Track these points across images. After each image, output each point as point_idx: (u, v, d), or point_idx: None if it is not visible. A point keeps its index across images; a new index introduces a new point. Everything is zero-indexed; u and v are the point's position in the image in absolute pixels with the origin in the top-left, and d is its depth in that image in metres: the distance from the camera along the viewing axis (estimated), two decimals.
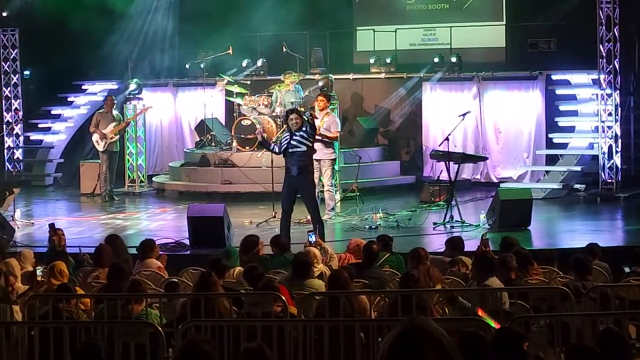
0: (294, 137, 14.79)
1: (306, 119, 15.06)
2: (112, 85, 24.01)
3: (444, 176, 17.87)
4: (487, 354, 6.10)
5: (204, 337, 7.46)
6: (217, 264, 10.56)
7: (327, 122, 17.56)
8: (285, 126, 16.20)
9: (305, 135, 14.80)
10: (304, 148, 14.78)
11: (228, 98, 22.26)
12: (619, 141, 20.05)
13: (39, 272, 10.63)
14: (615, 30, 19.75)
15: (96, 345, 7.04)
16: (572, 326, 8.28)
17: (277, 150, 15.26)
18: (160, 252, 12.56)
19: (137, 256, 12.22)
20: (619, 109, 20.11)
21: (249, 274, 10.28)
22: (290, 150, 14.77)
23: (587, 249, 11.67)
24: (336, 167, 19.34)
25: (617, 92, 20.00)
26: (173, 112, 24.33)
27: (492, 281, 9.66)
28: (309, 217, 15.48)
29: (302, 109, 17.36)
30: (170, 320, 9.15)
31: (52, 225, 12.80)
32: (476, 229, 16.00)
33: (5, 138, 24.05)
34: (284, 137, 15.21)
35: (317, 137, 15.76)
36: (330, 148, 17.53)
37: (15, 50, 24.28)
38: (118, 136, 20.96)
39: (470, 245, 12.51)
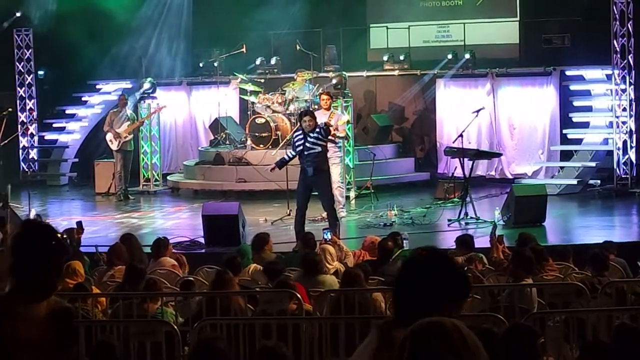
0: (308, 140, 14.82)
1: (320, 126, 15.07)
2: (126, 85, 24.02)
3: (459, 173, 17.84)
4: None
5: (217, 335, 7.47)
6: (233, 262, 10.57)
7: (334, 121, 17.49)
8: (298, 125, 16.18)
9: (319, 136, 14.86)
10: (319, 149, 14.87)
11: (242, 96, 22.27)
12: (634, 136, 20.00)
13: None
14: (629, 25, 19.70)
15: (110, 343, 7.05)
16: (587, 322, 8.26)
17: (292, 155, 15.23)
18: (174, 251, 12.59)
19: (150, 255, 12.24)
20: (634, 104, 20.06)
21: (269, 269, 10.34)
22: (305, 152, 14.84)
23: (602, 245, 11.64)
24: (350, 165, 19.35)
25: (632, 87, 19.95)
26: (187, 110, 24.34)
27: (527, 282, 9.55)
28: (323, 215, 15.49)
29: (315, 107, 17.36)
30: (185, 318, 9.16)
31: (80, 223, 12.75)
32: (491, 226, 15.94)
33: (20, 138, 24.09)
34: (297, 137, 15.18)
35: (329, 137, 15.74)
36: (337, 146, 17.49)
37: (30, 50, 24.35)
38: (132, 135, 20.99)
39: (485, 242, 12.46)
